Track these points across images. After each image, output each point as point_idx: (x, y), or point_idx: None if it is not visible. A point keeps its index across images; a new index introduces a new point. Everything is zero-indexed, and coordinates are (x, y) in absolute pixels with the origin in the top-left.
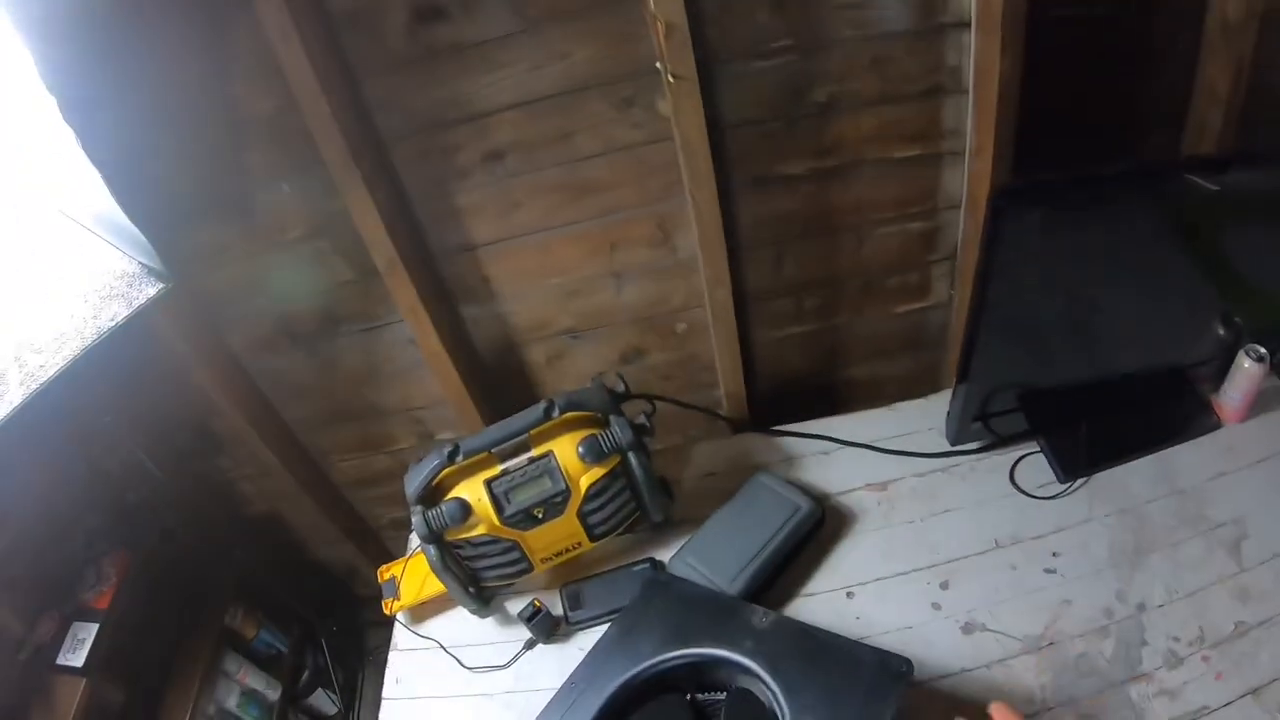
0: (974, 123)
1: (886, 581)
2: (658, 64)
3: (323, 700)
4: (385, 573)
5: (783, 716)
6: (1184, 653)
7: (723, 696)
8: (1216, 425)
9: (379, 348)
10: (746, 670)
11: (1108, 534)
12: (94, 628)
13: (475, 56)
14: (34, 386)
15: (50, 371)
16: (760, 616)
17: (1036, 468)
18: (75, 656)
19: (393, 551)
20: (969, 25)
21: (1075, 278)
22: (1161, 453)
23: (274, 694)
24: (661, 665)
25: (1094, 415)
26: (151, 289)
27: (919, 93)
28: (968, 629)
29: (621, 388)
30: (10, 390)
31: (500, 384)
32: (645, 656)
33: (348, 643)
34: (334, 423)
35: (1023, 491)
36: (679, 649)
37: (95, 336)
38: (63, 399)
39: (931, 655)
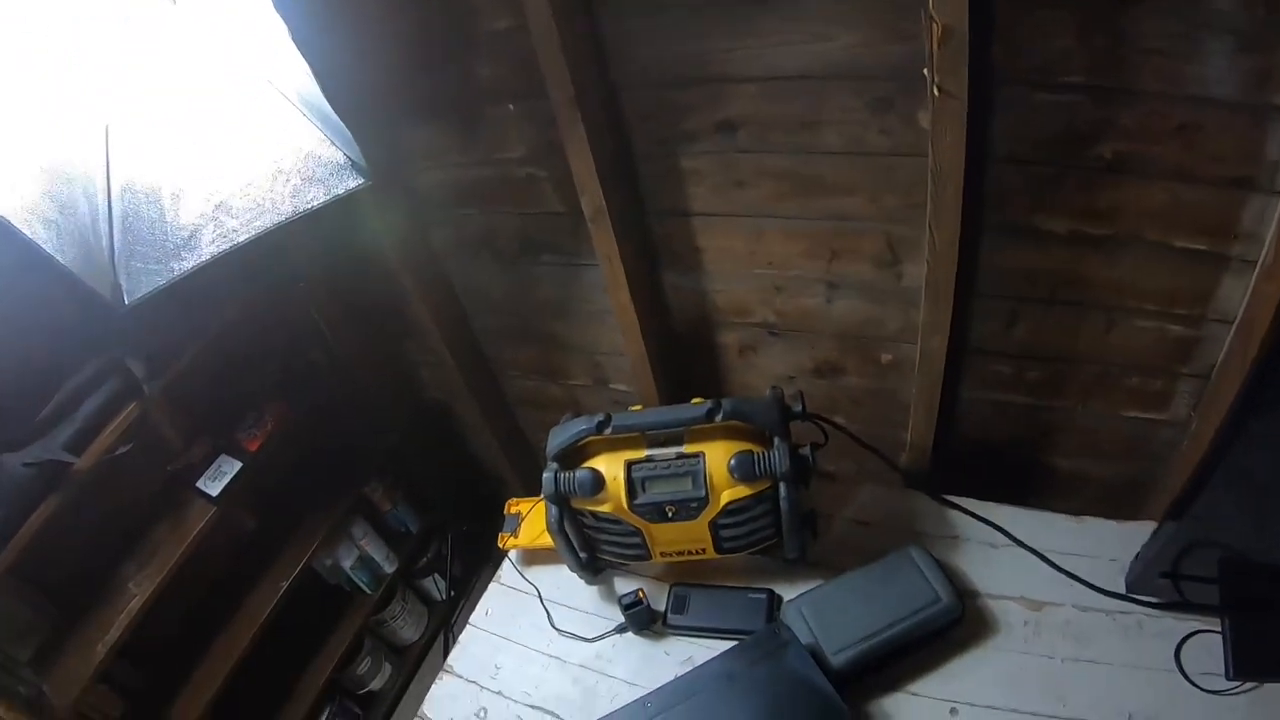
0: (1276, 235)
1: (998, 713)
2: (925, 71)
3: (432, 586)
4: (513, 506)
5: None
6: None
7: None
8: None
9: (575, 285)
10: None
11: None
12: (237, 465)
13: (725, 17)
14: (224, 247)
15: (241, 238)
16: None
17: (1207, 650)
18: (213, 486)
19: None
20: None
21: None
22: None
23: (390, 567)
24: None
25: None
26: (352, 182)
27: (1224, 179)
28: None
29: (798, 407)
30: (202, 247)
31: (685, 357)
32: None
33: (473, 544)
34: (516, 340)
35: (1183, 673)
36: None
37: (289, 215)
38: (259, 256)
39: None
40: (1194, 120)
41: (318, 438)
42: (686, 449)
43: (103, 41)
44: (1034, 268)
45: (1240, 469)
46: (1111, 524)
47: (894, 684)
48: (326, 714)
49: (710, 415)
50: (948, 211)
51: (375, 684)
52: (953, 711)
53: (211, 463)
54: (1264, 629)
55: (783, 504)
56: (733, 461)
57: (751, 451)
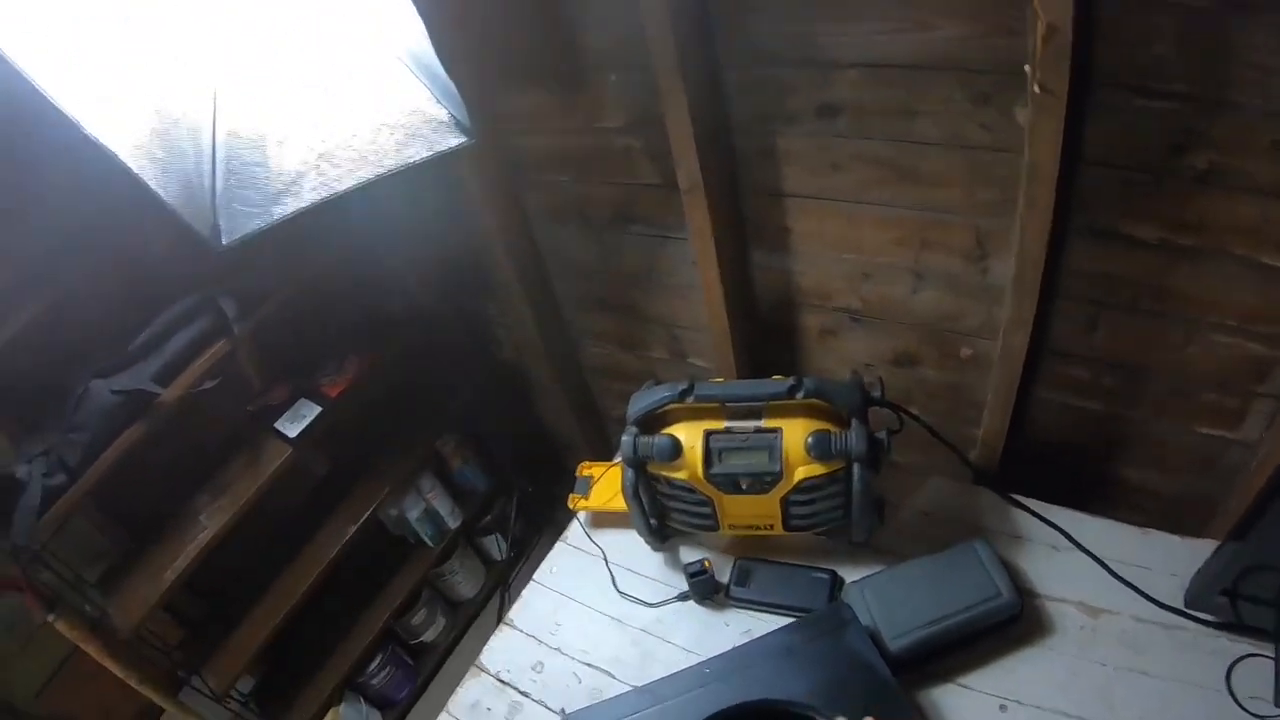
0: None
1: (1045, 714)
2: (1026, 67)
3: (493, 545)
4: (585, 469)
5: None
6: None
7: None
8: None
9: (662, 257)
10: None
11: None
12: (316, 410)
13: (834, 1)
14: (324, 194)
15: (342, 186)
16: None
17: (1259, 674)
18: (291, 428)
19: (611, 444)
20: None
21: None
22: None
23: (454, 522)
24: (794, 710)
25: None
26: (455, 140)
27: None
28: None
29: (877, 392)
30: (303, 193)
31: (765, 337)
32: (786, 690)
33: (536, 506)
34: (597, 308)
35: (1232, 694)
36: (824, 708)
37: (392, 168)
38: (354, 206)
39: None
40: None
41: (396, 389)
42: (765, 424)
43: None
44: (1118, 273)
45: None
46: (1175, 538)
47: (947, 675)
48: (379, 660)
49: (792, 392)
50: (1039, 209)
51: (428, 635)
52: (1002, 708)
53: (291, 405)
54: None
55: (855, 485)
56: (810, 439)
57: (829, 431)
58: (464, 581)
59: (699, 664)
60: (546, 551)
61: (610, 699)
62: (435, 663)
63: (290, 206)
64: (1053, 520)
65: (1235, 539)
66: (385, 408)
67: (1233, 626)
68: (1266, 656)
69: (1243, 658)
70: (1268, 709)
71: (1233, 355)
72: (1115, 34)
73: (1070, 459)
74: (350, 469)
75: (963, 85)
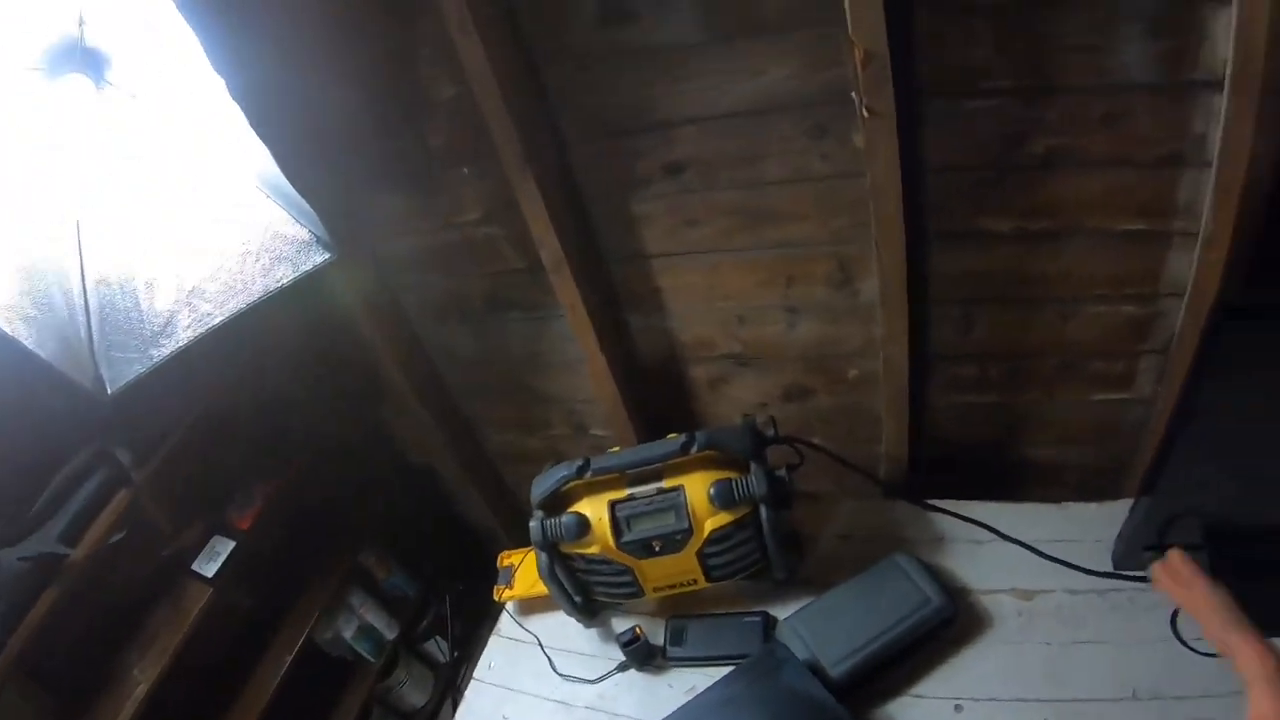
0: (1213, 205)
1: (1001, 705)
2: (852, 94)
3: (435, 649)
4: (505, 559)
5: None
6: None
7: None
8: None
9: (544, 337)
10: None
11: None
12: (231, 544)
13: (663, 64)
14: (200, 331)
15: (216, 320)
16: None
17: None
18: (209, 567)
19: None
20: (1222, 87)
21: None
22: None
23: (391, 634)
24: None
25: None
26: (319, 257)
27: (1154, 160)
28: None
29: (771, 432)
30: (178, 332)
31: (658, 396)
32: None
33: (471, 601)
34: (493, 398)
35: (1181, 641)
36: None
37: (260, 295)
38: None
39: None
40: (1118, 108)
41: (307, 511)
42: (666, 484)
43: (69, 139)
44: (982, 270)
45: (1206, 435)
46: (1092, 506)
47: (896, 689)
48: None
49: (685, 448)
50: (890, 226)
51: None
52: (957, 708)
53: (205, 544)
54: (1254, 589)
55: (765, 526)
56: (712, 490)
57: (730, 479)
58: (413, 691)
59: None
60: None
61: None
62: None
63: (167, 348)
64: (970, 516)
65: (1146, 493)
66: (301, 530)
67: None
68: None
69: None
70: None
71: (1110, 322)
72: (934, 47)
73: (977, 454)
74: (276, 599)
75: (798, 121)
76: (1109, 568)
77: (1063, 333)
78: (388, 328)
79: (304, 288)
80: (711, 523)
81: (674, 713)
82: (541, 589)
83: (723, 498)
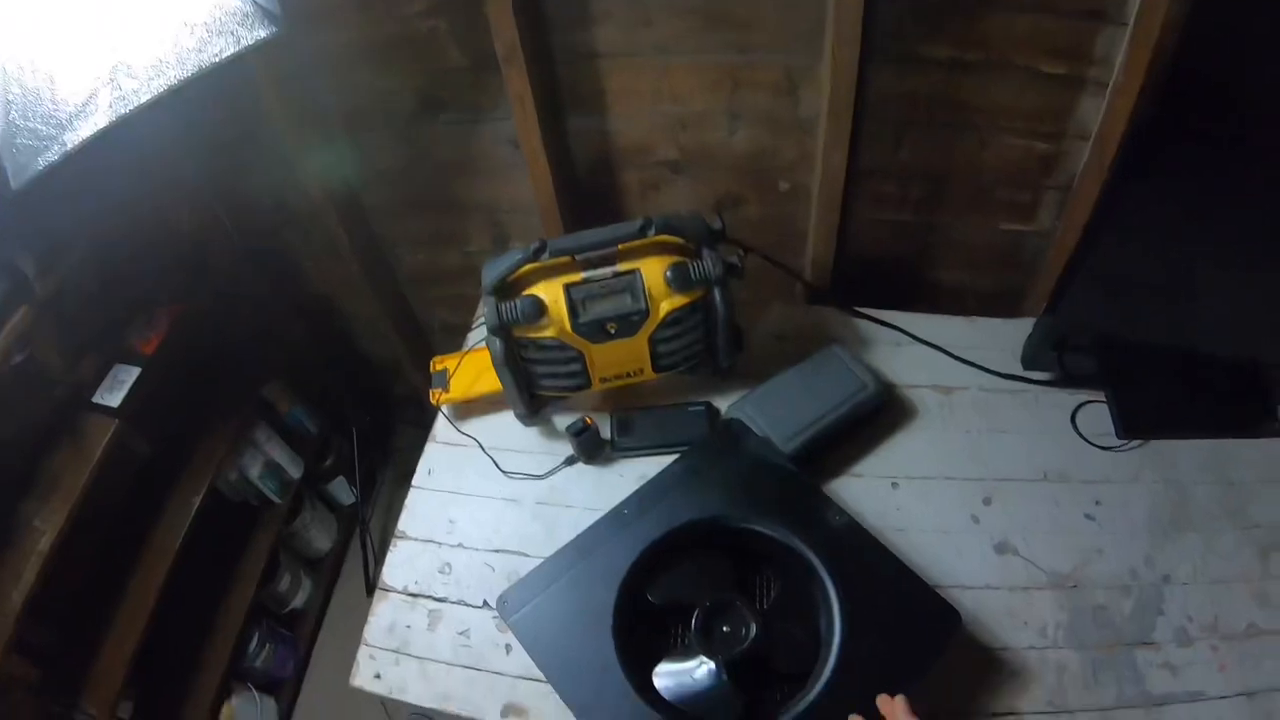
0: (1125, 59)
1: (932, 482)
2: None
3: (340, 490)
4: (439, 364)
5: (834, 629)
6: (1195, 634)
7: (770, 576)
8: (1277, 433)
9: (477, 142)
10: (810, 567)
11: (1150, 499)
12: (135, 371)
13: None
14: (123, 111)
15: (143, 98)
16: (835, 514)
17: (1098, 417)
18: (112, 397)
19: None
20: None
21: (1189, 245)
22: (1222, 441)
23: (296, 472)
24: (722, 524)
25: (1167, 383)
26: (263, 31)
27: (1079, 11)
28: (1000, 549)
29: (719, 226)
30: (99, 112)
31: (589, 203)
32: (707, 508)
33: (376, 438)
34: (411, 212)
35: (1081, 435)
36: (747, 516)
37: (196, 69)
38: (146, 140)
39: (960, 564)
40: None
41: (214, 335)
42: (621, 267)
43: None
44: (918, 92)
45: (1102, 266)
46: (998, 321)
47: (838, 469)
48: (255, 640)
49: (643, 231)
50: (848, 34)
51: (298, 601)
52: (894, 485)
53: (107, 373)
54: (1142, 394)
55: (719, 309)
56: (669, 273)
57: (686, 262)
58: (318, 535)
59: (615, 508)
60: (396, 484)
61: (536, 568)
62: (312, 628)
63: (84, 131)
64: (890, 322)
65: (1050, 311)
66: (203, 367)
67: (1066, 382)
68: (1100, 402)
69: (1081, 405)
70: (1114, 441)
71: (1022, 155)
72: None
73: (891, 271)
74: (175, 444)
75: None
76: (1017, 370)
77: (980, 160)
78: (307, 137)
79: (228, 89)
80: (668, 304)
81: (642, 486)
82: (479, 389)
83: (680, 279)
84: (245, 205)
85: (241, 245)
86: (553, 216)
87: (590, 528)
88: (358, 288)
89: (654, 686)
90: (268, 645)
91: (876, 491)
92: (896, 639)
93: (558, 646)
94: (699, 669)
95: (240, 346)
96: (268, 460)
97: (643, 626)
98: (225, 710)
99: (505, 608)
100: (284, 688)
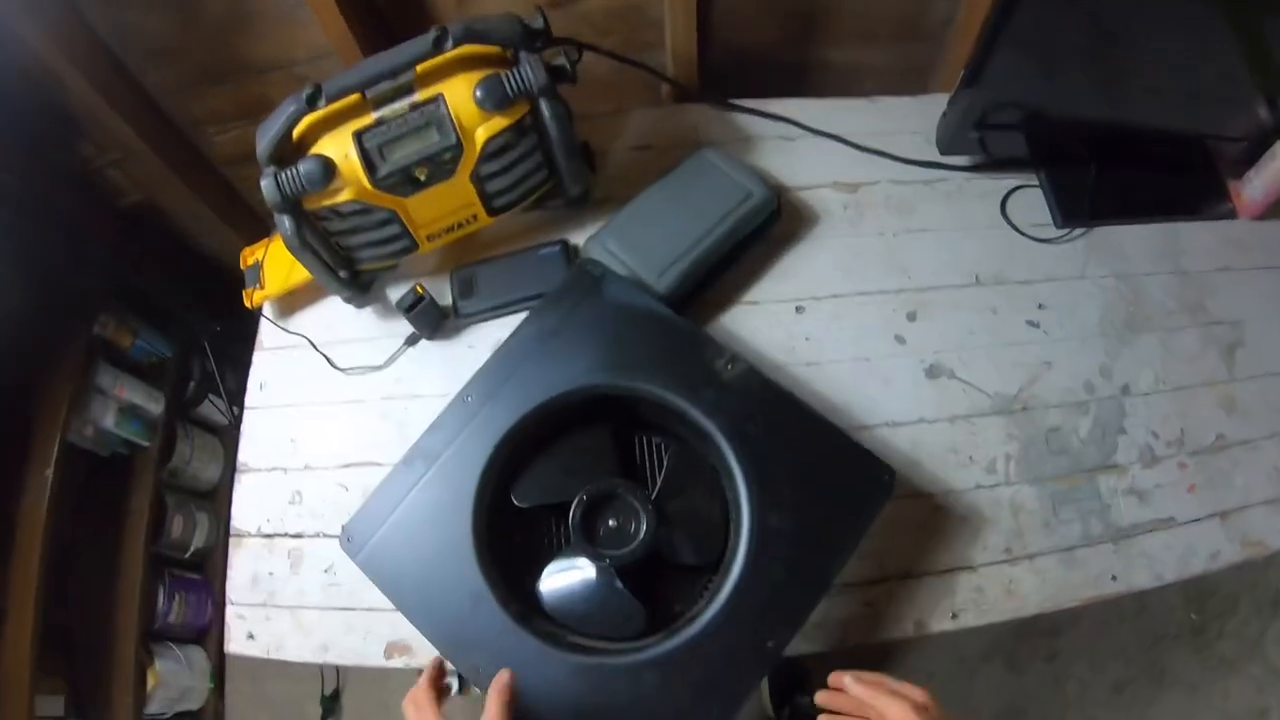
0: None
1: (845, 300)
2: None
3: (214, 411)
4: (249, 257)
5: (740, 501)
6: (1161, 452)
7: (658, 443)
8: (1231, 214)
9: None
10: (703, 434)
11: (1101, 297)
12: None
13: None
14: None
15: None
16: (725, 362)
17: (1032, 204)
18: None
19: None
20: None
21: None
22: (1169, 225)
23: (156, 408)
24: (588, 395)
25: (1105, 161)
26: None
27: None
28: (933, 372)
29: (540, 24)
30: None
31: (397, 31)
32: (569, 378)
33: (237, 345)
34: (203, 87)
35: (1014, 227)
36: (618, 377)
37: None
38: None
39: (888, 396)
40: None
41: (25, 287)
42: (420, 96)
43: None
44: None
45: (1026, 27)
46: (905, 99)
47: (729, 298)
48: (162, 595)
49: (439, 45)
50: None
51: (198, 541)
52: (798, 310)
53: None
54: (1078, 175)
55: (550, 126)
56: (479, 91)
57: (498, 74)
58: (203, 465)
59: (457, 396)
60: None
61: (378, 488)
62: (223, 563)
63: None
64: (775, 112)
65: (970, 84)
66: (22, 313)
67: (992, 166)
68: (1033, 186)
69: (1012, 191)
70: (1053, 232)
71: None
72: None
73: (770, 53)
74: (8, 417)
75: None
76: (932, 156)
77: None
78: (60, 27)
79: None
80: (484, 130)
81: (485, 364)
82: (297, 279)
83: (493, 96)
84: (22, 130)
85: (30, 175)
86: (354, 55)
87: (432, 425)
88: (171, 185)
89: (538, 607)
90: (177, 596)
91: (778, 320)
92: (818, 507)
93: (418, 580)
94: (586, 578)
95: (60, 290)
96: (121, 404)
97: (517, 535)
98: (150, 677)
99: (351, 544)
100: (209, 633)
